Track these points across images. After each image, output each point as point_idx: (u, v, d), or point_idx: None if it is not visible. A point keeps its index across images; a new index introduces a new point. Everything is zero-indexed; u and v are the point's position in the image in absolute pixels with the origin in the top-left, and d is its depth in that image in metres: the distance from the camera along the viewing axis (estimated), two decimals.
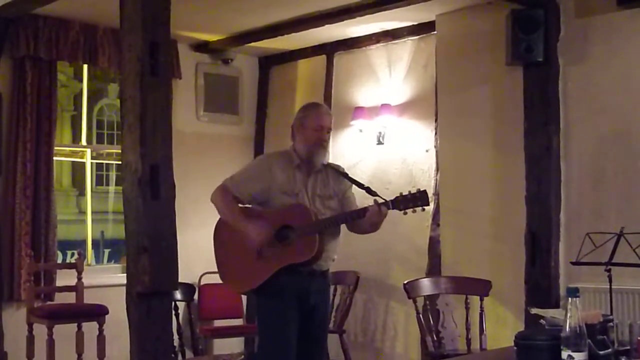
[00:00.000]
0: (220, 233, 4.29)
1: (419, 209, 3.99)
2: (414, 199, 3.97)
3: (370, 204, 4.01)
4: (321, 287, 4.22)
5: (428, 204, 4.03)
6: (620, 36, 5.36)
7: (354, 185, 4.27)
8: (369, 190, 4.12)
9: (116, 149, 7.60)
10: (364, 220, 4.05)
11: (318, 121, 4.19)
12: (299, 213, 4.07)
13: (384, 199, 4.02)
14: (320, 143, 4.17)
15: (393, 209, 4.00)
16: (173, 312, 4.36)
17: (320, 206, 4.15)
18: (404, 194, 4.01)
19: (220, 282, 4.40)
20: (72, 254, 10.50)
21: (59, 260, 7.24)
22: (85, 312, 6.00)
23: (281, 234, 4.08)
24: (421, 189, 4.02)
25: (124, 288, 3.97)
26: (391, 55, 6.87)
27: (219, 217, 4.26)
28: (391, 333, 6.72)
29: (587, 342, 2.35)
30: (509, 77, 5.80)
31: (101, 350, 5.94)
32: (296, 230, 4.04)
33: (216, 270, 4.32)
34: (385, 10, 5.99)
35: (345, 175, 4.28)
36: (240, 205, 4.19)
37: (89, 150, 7.43)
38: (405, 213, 4.02)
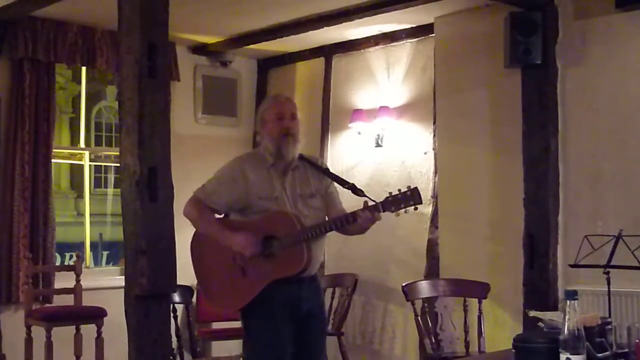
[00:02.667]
0: (198, 249, 3.99)
1: (411, 208, 3.66)
2: (406, 199, 3.63)
3: (360, 208, 3.67)
4: (312, 293, 3.94)
5: (421, 202, 3.66)
6: (619, 38, 5.36)
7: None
8: (354, 189, 3.81)
9: (114, 152, 7.59)
10: (354, 225, 3.75)
11: (276, 109, 3.90)
12: (281, 221, 3.76)
13: (373, 201, 3.67)
14: (286, 132, 3.83)
15: (384, 211, 3.66)
16: (171, 314, 4.36)
17: (302, 207, 3.84)
18: (393, 193, 3.66)
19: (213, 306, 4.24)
20: (71, 256, 10.51)
21: (57, 263, 7.24)
22: (84, 314, 6.00)
23: (265, 245, 3.78)
24: (412, 186, 3.67)
25: (123, 290, 3.97)
26: (390, 57, 6.87)
27: (194, 231, 4.01)
28: (389, 335, 6.71)
29: (586, 345, 2.35)
30: (507, 80, 5.80)
31: (99, 353, 5.93)
32: (281, 240, 3.74)
33: None
34: (383, 12, 5.99)
35: (327, 172, 3.99)
36: (217, 216, 3.95)
37: (87, 153, 7.43)
38: (398, 214, 3.69)
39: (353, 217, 3.70)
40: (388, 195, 3.68)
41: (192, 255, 3.99)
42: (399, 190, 3.68)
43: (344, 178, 3.99)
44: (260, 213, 3.83)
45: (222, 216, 3.99)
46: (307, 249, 3.73)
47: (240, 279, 3.84)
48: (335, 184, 3.99)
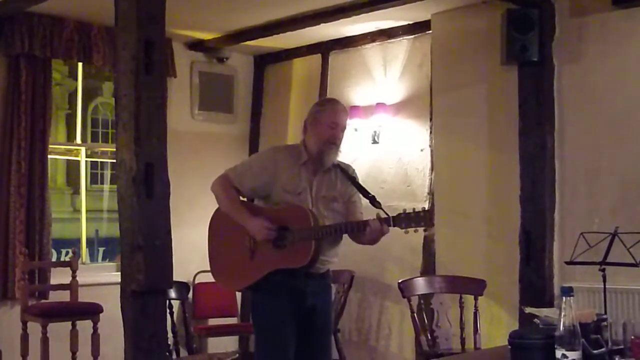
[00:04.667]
0: (215, 225, 4.11)
1: (420, 228, 3.80)
2: (417, 219, 3.74)
3: (372, 218, 3.79)
4: (319, 289, 4.02)
5: (432, 225, 3.89)
6: (615, 36, 5.37)
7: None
8: (373, 201, 3.92)
9: (111, 148, 7.59)
10: (363, 234, 3.84)
11: (333, 117, 3.96)
12: (298, 215, 3.85)
13: (386, 214, 3.79)
14: (334, 141, 3.94)
15: (394, 226, 3.77)
16: (167, 310, 4.36)
17: (323, 208, 3.95)
18: (407, 211, 3.77)
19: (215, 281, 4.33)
20: (67, 253, 10.47)
21: (54, 259, 7.23)
22: (80, 310, 6.00)
23: (278, 234, 3.89)
24: (425, 208, 3.82)
25: (119, 286, 3.97)
26: (386, 54, 6.87)
27: (216, 207, 4.10)
28: (385, 332, 6.72)
29: (581, 341, 2.35)
30: (503, 77, 5.81)
31: (95, 349, 5.94)
32: (293, 233, 3.84)
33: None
34: (380, 9, 5.99)
35: (353, 180, 4.08)
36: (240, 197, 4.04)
37: (83, 149, 7.41)
38: (407, 232, 3.79)
39: (364, 225, 3.81)
40: (401, 212, 3.78)
41: (208, 231, 4.12)
42: (413, 209, 3.78)
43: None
44: (282, 205, 3.95)
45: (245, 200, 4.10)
46: (315, 246, 3.81)
47: (247, 261, 3.94)
48: (361, 196, 4.09)
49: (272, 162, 3.96)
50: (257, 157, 4.16)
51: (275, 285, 3.90)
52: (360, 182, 4.12)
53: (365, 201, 4.04)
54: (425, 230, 3.87)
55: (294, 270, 3.88)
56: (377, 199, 3.94)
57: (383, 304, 6.74)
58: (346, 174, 4.08)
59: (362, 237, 3.93)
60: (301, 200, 3.92)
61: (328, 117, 3.97)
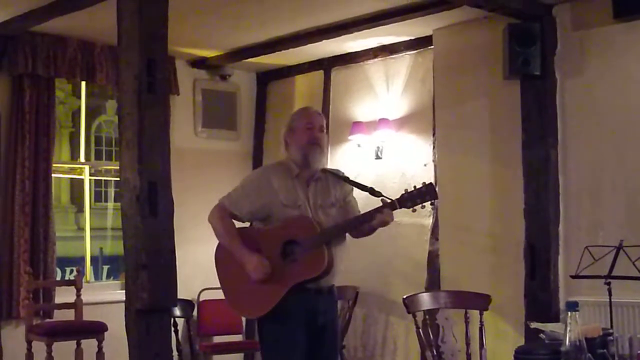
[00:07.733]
0: (222, 255, 4.04)
1: (427, 204, 3.82)
2: (421, 194, 3.78)
3: (377, 206, 3.82)
4: (329, 306, 4.00)
5: (436, 197, 3.85)
6: (617, 48, 5.37)
7: (354, 189, 4.08)
8: (372, 192, 3.92)
9: (114, 166, 7.58)
10: (367, 224, 3.86)
11: (307, 119, 3.98)
12: (302, 226, 3.84)
13: (389, 199, 3.82)
14: (314, 141, 3.93)
15: (400, 208, 3.82)
16: (172, 328, 4.35)
17: (322, 216, 3.92)
18: (409, 190, 3.82)
19: (220, 298, 4.27)
20: (71, 271, 10.49)
21: (58, 278, 7.23)
22: (85, 329, 5.98)
23: (286, 250, 3.85)
24: (427, 182, 3.84)
25: (123, 305, 3.97)
26: (389, 69, 6.88)
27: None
28: (391, 348, 6.70)
29: (588, 356, 2.35)
30: (506, 91, 5.81)
31: None
32: (301, 244, 3.81)
33: (215, 286, 4.24)
34: (382, 25, 6.01)
35: (346, 179, 4.08)
36: (240, 223, 4.01)
37: (87, 167, 7.43)
38: (414, 210, 3.84)
39: (370, 216, 3.82)
40: (404, 192, 3.83)
41: (216, 263, 4.03)
42: (414, 187, 3.83)
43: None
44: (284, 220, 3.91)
45: (246, 225, 4.06)
46: (328, 251, 3.80)
47: (262, 285, 3.87)
48: (354, 194, 4.11)
49: (266, 182, 3.92)
50: (250, 179, 4.07)
51: (286, 308, 3.85)
52: (364, 197, 4.08)
53: (364, 194, 4.00)
54: (432, 204, 3.84)
55: (305, 287, 3.84)
56: (376, 189, 3.93)
57: (388, 320, 6.72)
58: (337, 176, 4.08)
59: (367, 228, 3.92)
60: (301, 212, 3.90)
61: (302, 121, 3.99)
